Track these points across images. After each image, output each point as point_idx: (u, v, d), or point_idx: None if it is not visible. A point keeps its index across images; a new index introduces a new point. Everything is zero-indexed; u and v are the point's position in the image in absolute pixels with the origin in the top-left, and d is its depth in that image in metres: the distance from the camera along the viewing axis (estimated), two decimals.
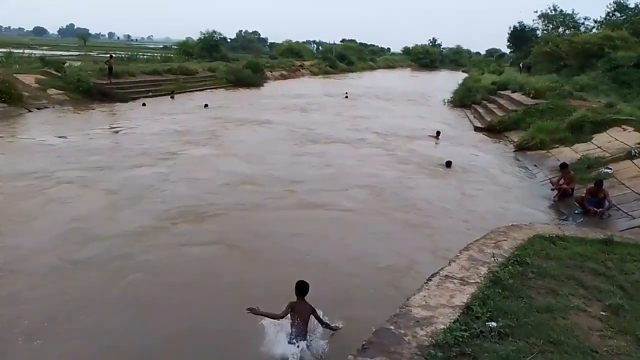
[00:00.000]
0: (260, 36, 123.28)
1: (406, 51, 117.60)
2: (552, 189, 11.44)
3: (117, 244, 7.92)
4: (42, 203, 9.72)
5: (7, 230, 8.34)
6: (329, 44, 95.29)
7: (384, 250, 8.28)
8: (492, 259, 6.05)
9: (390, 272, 7.47)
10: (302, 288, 5.30)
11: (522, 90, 24.26)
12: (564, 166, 11.70)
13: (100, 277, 6.89)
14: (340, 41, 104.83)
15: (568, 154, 14.36)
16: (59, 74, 25.23)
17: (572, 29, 48.19)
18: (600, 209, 9.62)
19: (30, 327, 5.61)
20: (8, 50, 34.32)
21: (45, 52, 45.22)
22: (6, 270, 6.90)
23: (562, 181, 11.38)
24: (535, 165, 14.64)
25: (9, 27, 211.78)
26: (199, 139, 16.62)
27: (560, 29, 51.31)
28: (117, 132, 17.95)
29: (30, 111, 20.40)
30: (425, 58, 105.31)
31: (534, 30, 59.41)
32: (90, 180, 11.33)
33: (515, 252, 6.29)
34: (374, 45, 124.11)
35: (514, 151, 16.88)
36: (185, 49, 51.04)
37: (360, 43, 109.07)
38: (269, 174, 12.53)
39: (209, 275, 7.14)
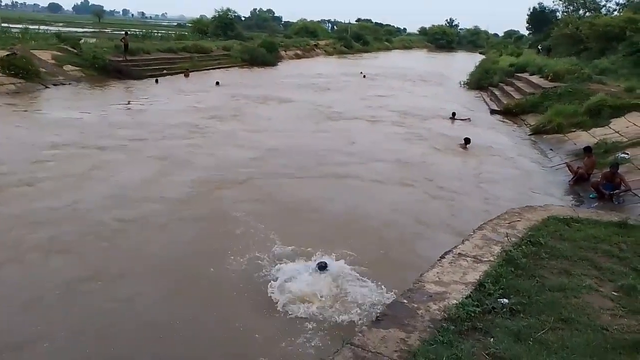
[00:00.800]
0: (275, 15, 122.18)
1: (423, 32, 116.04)
2: (573, 171, 11.32)
3: (163, 206, 8.64)
4: (87, 169, 10.38)
5: (63, 191, 9.05)
6: (344, 23, 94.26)
7: (403, 219, 8.74)
8: (506, 238, 6.11)
9: (407, 243, 7.82)
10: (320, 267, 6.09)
11: (541, 73, 23.90)
12: (587, 150, 11.47)
13: (151, 233, 7.63)
14: (356, 21, 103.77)
15: (585, 138, 14.19)
16: (75, 51, 25.34)
17: (593, 11, 47.01)
18: (616, 191, 9.55)
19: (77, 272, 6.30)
20: (24, 26, 34.40)
21: (60, 28, 45.35)
22: (67, 224, 7.64)
23: (579, 165, 11.26)
24: (551, 149, 14.51)
25: (24, 3, 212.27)
26: (223, 115, 17.13)
27: (581, 11, 50.03)
28: (139, 108, 18.19)
29: (47, 87, 20.58)
30: (442, 39, 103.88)
31: (554, 12, 58.16)
32: (126, 150, 11.99)
33: (529, 233, 6.34)
34: (390, 25, 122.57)
35: (530, 134, 16.73)
36: (200, 27, 50.90)
37: (376, 23, 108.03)
38: (294, 148, 13.18)
39: (253, 231, 7.68)
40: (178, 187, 9.60)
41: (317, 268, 6.07)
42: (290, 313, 5.51)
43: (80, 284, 6.00)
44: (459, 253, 5.67)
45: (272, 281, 6.05)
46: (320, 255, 6.63)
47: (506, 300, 4.55)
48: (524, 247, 5.83)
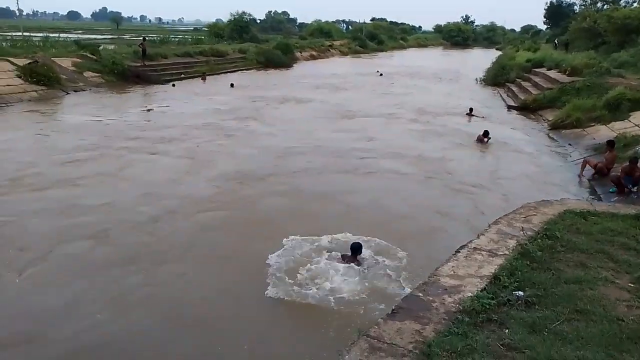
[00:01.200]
0: (290, 16, 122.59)
1: (438, 29, 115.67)
2: (592, 166, 11.21)
3: (191, 201, 8.98)
4: (116, 169, 10.84)
5: (97, 189, 9.52)
6: (359, 23, 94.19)
7: (421, 213, 8.94)
8: (521, 232, 6.12)
9: (425, 236, 7.97)
10: (353, 248, 6.39)
11: (558, 68, 23.65)
12: (610, 144, 11.25)
13: (180, 225, 8.01)
14: (370, 20, 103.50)
15: (604, 132, 14.02)
16: (95, 57, 25.82)
17: (611, 4, 46.29)
18: (637, 187, 9.44)
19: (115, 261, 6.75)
20: (45, 34, 35.15)
21: (79, 35, 46.34)
22: (103, 219, 8.00)
23: (599, 160, 11.13)
24: (570, 144, 14.37)
25: (45, 11, 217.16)
26: (242, 116, 17.40)
27: (599, 4, 49.35)
28: (159, 111, 18.55)
29: (68, 93, 21.05)
30: (458, 36, 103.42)
31: (571, 5, 57.67)
32: (150, 151, 12.39)
33: (545, 227, 6.33)
34: (404, 23, 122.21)
35: (549, 130, 16.59)
36: (216, 30, 51.44)
37: (390, 22, 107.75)
38: (315, 146, 13.43)
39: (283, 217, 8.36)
40: (204, 184, 10.00)
41: (349, 250, 6.31)
42: (311, 301, 5.62)
43: (117, 270, 6.49)
44: (474, 247, 5.71)
45: (292, 268, 6.21)
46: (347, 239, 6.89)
47: (521, 293, 4.57)
48: (539, 240, 5.84)
